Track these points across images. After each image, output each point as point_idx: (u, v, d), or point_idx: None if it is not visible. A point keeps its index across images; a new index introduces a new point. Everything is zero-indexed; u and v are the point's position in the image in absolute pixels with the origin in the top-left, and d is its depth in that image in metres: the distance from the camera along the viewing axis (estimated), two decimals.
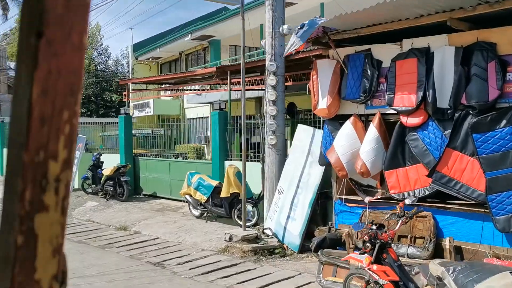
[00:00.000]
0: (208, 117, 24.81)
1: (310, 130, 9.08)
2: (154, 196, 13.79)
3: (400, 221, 4.87)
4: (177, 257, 8.28)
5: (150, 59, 29.33)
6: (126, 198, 13.25)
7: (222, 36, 23.42)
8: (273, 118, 9.43)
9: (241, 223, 9.85)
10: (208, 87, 16.19)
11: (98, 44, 33.02)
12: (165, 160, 13.73)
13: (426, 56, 5.82)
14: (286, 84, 11.66)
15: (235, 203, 9.90)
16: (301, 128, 9.34)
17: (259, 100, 20.78)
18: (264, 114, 10.04)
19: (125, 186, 13.25)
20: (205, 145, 24.98)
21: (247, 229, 9.58)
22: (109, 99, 31.52)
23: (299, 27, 6.19)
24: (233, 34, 23.48)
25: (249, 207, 9.91)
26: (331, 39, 6.49)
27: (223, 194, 9.90)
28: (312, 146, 8.89)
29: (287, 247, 8.65)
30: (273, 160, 9.51)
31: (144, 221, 11.00)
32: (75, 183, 15.58)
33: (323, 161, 7.42)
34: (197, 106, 24.43)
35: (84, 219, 11.77)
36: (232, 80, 12.31)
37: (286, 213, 8.96)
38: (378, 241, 4.67)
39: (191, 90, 16.73)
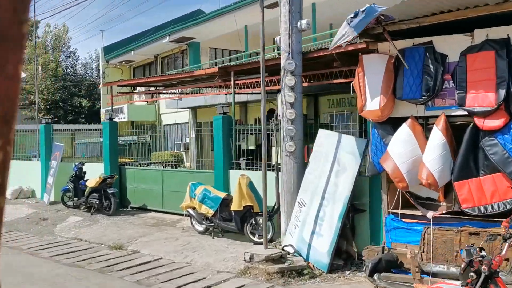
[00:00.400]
0: (187, 122, 23.80)
1: (335, 136, 8.23)
2: (143, 209, 12.62)
3: (507, 244, 4.04)
4: (193, 282, 7.23)
5: (123, 62, 27.95)
6: (113, 211, 12.03)
7: (203, 38, 22.42)
8: (291, 123, 8.52)
9: (255, 239, 8.90)
10: (210, 90, 15.13)
11: (65, 47, 31.31)
12: (157, 169, 12.58)
13: (506, 49, 5.07)
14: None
15: (247, 217, 8.92)
16: (323, 134, 8.47)
17: (244, 105, 19.88)
18: (277, 118, 9.13)
19: (113, 199, 12.04)
20: (184, 153, 23.86)
21: (260, 245, 8.64)
22: (78, 105, 29.86)
23: (351, 15, 5.33)
24: (214, 36, 22.54)
25: (262, 220, 8.95)
26: (386, 30, 5.66)
27: (234, 207, 8.90)
28: (339, 153, 8.03)
29: (313, 266, 7.74)
30: (291, 169, 8.60)
31: (141, 238, 9.86)
32: (52, 195, 14.21)
33: (374, 170, 6.57)
34: (175, 111, 23.28)
35: (69, 237, 10.51)
36: (228, 83, 11.36)
37: (310, 228, 8.05)
38: (485, 270, 3.82)
39: (181, 93, 15.58)
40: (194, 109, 23.00)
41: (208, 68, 10.50)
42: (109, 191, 12.06)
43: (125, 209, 12.83)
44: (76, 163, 13.23)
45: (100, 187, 12.11)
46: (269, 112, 15.84)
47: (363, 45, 7.54)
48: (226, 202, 9.35)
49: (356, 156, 7.78)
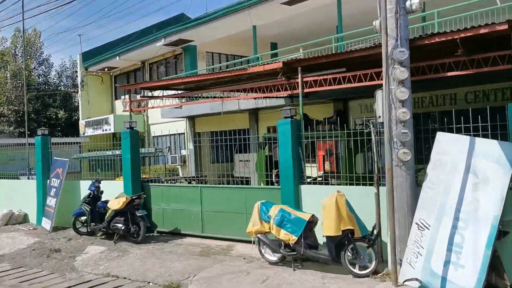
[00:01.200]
0: (182, 133, 21.78)
1: (464, 140, 6.64)
2: (175, 234, 10.62)
3: None
4: None
5: (106, 69, 25.67)
6: (142, 238, 9.99)
7: (202, 41, 20.59)
8: (403, 125, 6.89)
9: (355, 270, 7.18)
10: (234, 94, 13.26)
11: (38, 53, 28.54)
12: (194, 186, 10.58)
13: None
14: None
15: (345, 243, 7.17)
16: (444, 138, 6.87)
17: (254, 112, 18.13)
18: (376, 121, 7.48)
19: (142, 223, 10.00)
20: (180, 166, 21.77)
21: (362, 278, 6.94)
22: (53, 116, 27.17)
23: None
24: (213, 39, 20.75)
25: (363, 247, 7.25)
26: None
27: (329, 231, 7.13)
28: (474, 162, 6.45)
29: None
30: (403, 183, 6.95)
31: (199, 273, 7.91)
32: (53, 220, 11.96)
33: None
34: (168, 121, 21.21)
35: (100, 273, 8.41)
36: (293, 81, 9.61)
37: (442, 257, 6.40)
38: None
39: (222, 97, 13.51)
40: (192, 119, 21.07)
41: (269, 64, 8.75)
42: (137, 214, 10.02)
43: (151, 234, 10.78)
44: (93, 181, 11.05)
45: (126, 209, 10.06)
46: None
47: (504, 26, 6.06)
48: (310, 226, 7.58)
49: (504, 165, 6.22)
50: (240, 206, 9.53)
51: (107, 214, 10.27)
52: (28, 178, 14.58)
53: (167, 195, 10.80)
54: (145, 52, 22.26)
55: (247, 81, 10.25)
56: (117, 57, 23.64)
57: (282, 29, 18.95)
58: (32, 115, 26.87)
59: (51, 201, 12.34)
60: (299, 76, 8.55)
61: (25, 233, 12.09)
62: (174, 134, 22.20)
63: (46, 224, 12.22)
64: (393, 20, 6.96)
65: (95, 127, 24.68)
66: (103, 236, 10.80)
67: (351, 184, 8.17)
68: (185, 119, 21.32)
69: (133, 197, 10.10)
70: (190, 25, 19.09)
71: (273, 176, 10.85)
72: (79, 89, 26.28)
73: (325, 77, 8.66)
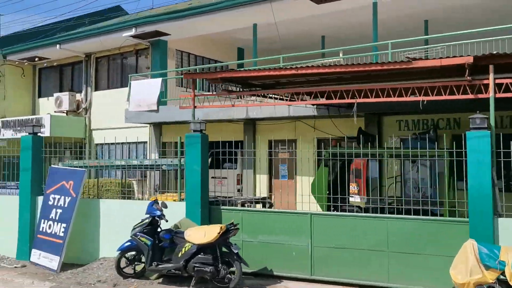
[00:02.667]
0: (146, 142, 18.36)
1: None
2: (264, 276, 7.84)
3: None
4: None
5: (37, 59, 21.12)
6: (237, 285, 7.12)
7: (177, 36, 17.64)
8: None
9: None
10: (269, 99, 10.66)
11: None
12: (301, 213, 7.89)
13: None
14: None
15: None
16: None
17: (251, 123, 15.68)
18: None
19: (238, 264, 7.16)
20: (135, 181, 18.26)
21: None
22: None
23: None
24: (189, 36, 17.96)
25: None
26: None
27: None
28: None
29: None
30: None
31: None
32: (62, 255, 8.41)
33: None
34: (124, 127, 17.74)
35: None
36: (482, 81, 7.59)
37: None
38: None
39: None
40: (158, 126, 17.91)
41: (448, 58, 6.64)
42: (234, 250, 7.15)
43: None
44: (150, 202, 7.76)
45: (216, 244, 7.12)
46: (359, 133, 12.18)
47: None
48: None
49: None
50: (377, 241, 7.24)
51: (184, 249, 7.19)
52: None
53: (250, 223, 8.02)
54: (95, 43, 18.45)
55: (377, 79, 7.96)
56: (57, 45, 19.44)
57: (295, 30, 16.86)
58: None
59: (52, 227, 8.73)
60: (490, 76, 6.63)
61: (17, 273, 8.31)
62: (127, 143, 18.65)
63: (45, 259, 8.57)
64: None
65: (18, 128, 19.99)
66: (160, 279, 7.64)
67: None
68: (149, 125, 18.06)
69: (229, 227, 7.20)
70: (176, 15, 16.12)
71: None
72: None
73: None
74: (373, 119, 13.36)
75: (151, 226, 7.57)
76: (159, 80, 16.44)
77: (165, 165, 9.15)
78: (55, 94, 20.47)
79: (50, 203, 8.95)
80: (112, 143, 18.21)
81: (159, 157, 17.50)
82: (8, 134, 20.29)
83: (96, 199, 9.11)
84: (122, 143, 18.48)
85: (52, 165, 9.34)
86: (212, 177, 13.97)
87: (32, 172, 9.31)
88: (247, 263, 7.34)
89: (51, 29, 22.71)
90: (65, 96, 20.14)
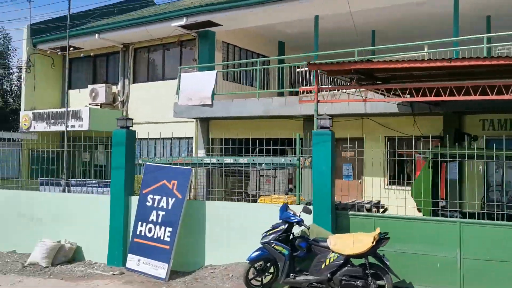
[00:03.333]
0: (191, 137, 17.47)
1: None
2: None
3: None
4: None
5: (72, 48, 20.09)
6: None
7: (228, 27, 16.81)
8: None
9: None
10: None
11: None
12: (447, 221, 7.11)
13: None
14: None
15: None
16: None
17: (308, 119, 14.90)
18: None
19: (388, 276, 6.41)
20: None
21: None
22: None
23: None
24: (239, 27, 17.14)
25: None
26: None
27: None
28: None
29: None
30: None
31: None
32: (171, 262, 7.60)
33: None
34: (167, 122, 16.89)
35: None
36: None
37: None
38: None
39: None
40: (205, 121, 17.08)
41: None
42: (386, 262, 6.40)
43: None
44: (281, 206, 6.96)
45: (365, 255, 6.36)
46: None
47: None
48: None
49: None
50: None
51: (328, 260, 6.41)
52: (65, 191, 9.65)
53: (385, 231, 7.25)
54: (149, 32, 17.45)
55: None
56: (96, 35, 18.52)
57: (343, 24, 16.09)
58: None
59: (153, 231, 7.91)
60: None
61: (122, 282, 7.47)
62: (169, 139, 17.77)
63: (147, 266, 7.75)
64: None
65: (52, 121, 19.05)
66: None
67: None
68: (195, 120, 17.21)
69: (383, 236, 6.44)
70: (234, 4, 15.27)
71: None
72: (23, 71, 20.25)
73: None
74: (453, 118, 12.66)
75: (285, 234, 6.77)
76: (214, 73, 15.66)
77: (284, 164, 8.32)
78: (90, 86, 19.55)
79: (149, 204, 8.12)
80: (151, 138, 17.27)
81: (208, 154, 16.70)
82: (40, 127, 19.38)
83: (201, 201, 8.29)
84: (167, 138, 17.54)
85: (147, 162, 8.50)
86: (261, 176, 13.17)
87: (126, 170, 8.47)
88: (397, 275, 6.60)
89: (79, 17, 21.66)
90: (101, 88, 19.23)
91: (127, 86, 19.39)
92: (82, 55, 19.84)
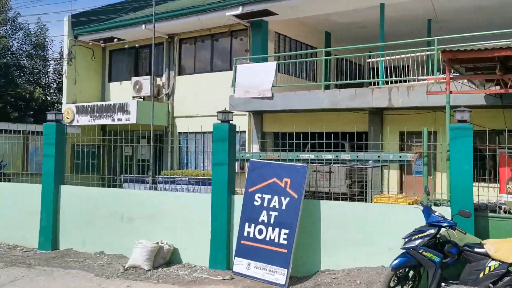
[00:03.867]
0: (243, 131, 16.89)
1: None
2: None
3: None
4: None
5: (116, 40, 19.56)
6: None
7: (284, 16, 16.23)
8: None
9: None
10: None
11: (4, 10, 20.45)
12: None
13: None
14: None
15: None
16: None
17: (377, 113, 14.30)
18: None
19: None
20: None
21: None
22: (25, 96, 19.77)
23: None
24: (293, 17, 16.56)
25: None
26: None
27: None
28: None
29: None
30: None
31: None
32: (290, 267, 7.06)
33: None
34: (202, 116, 16.31)
35: None
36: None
37: None
38: None
39: None
40: (259, 114, 16.53)
41: None
42: None
43: None
44: (424, 206, 6.38)
45: None
46: None
47: None
48: None
49: None
50: None
51: (487, 268, 5.84)
52: (151, 188, 9.12)
53: None
54: (202, 22, 16.82)
55: None
56: (143, 26, 17.95)
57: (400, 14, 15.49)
58: None
59: (265, 233, 7.37)
60: None
61: None
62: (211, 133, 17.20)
63: (260, 271, 7.23)
64: None
65: (97, 115, 18.53)
66: None
67: None
68: (247, 113, 16.66)
69: None
70: None
71: None
72: (65, 63, 19.72)
73: None
74: None
75: (434, 239, 6.20)
76: (274, 64, 15.04)
77: (394, 160, 7.74)
78: (133, 78, 19.01)
79: (257, 203, 7.58)
80: (199, 132, 16.61)
81: (262, 149, 16.14)
82: (84, 120, 18.89)
83: (315, 200, 7.73)
84: (205, 132, 16.91)
85: (251, 159, 7.94)
86: (314, 171, 12.62)
87: (229, 167, 7.92)
88: None
89: (117, 9, 21.06)
90: (145, 80, 18.68)
91: (172, 78, 18.84)
92: (126, 46, 19.25)
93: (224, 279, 7.31)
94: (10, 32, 20.57)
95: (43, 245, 9.01)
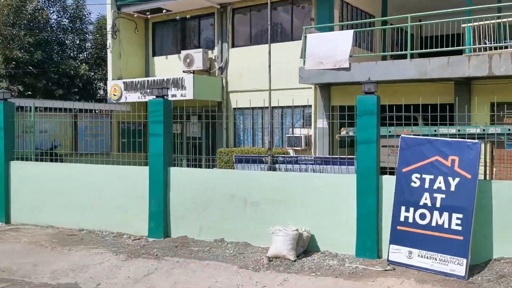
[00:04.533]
0: (308, 106, 15.96)
1: None
2: None
3: None
4: None
5: (165, 11, 18.47)
6: None
7: None
8: None
9: None
10: None
11: None
12: None
13: None
14: None
15: None
16: None
17: (465, 83, 13.37)
18: None
19: None
20: (292, 151, 15.92)
21: None
22: (70, 73, 18.77)
23: None
24: None
25: None
26: None
27: None
28: None
29: None
30: None
31: None
32: (469, 257, 6.26)
33: None
34: (278, 89, 15.36)
35: None
36: None
37: None
38: None
39: None
40: (326, 87, 15.60)
41: None
42: None
43: None
44: None
45: None
46: None
47: None
48: None
49: None
50: None
51: None
52: (271, 169, 8.26)
53: None
54: None
55: None
56: None
57: None
58: (39, 66, 18.17)
59: (429, 217, 6.56)
60: None
61: (415, 281, 6.14)
62: (285, 107, 16.34)
63: (428, 261, 6.43)
64: None
65: (147, 91, 17.56)
66: None
67: None
68: (313, 86, 15.73)
69: None
70: None
71: None
72: (109, 37, 18.66)
73: None
74: None
75: None
76: (350, 32, 14.12)
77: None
78: (183, 52, 18.03)
79: (415, 185, 6.74)
80: (259, 108, 15.68)
81: (329, 123, 15.27)
82: (134, 97, 17.97)
83: (485, 180, 6.89)
84: (287, 107, 15.95)
85: (402, 135, 7.07)
86: (383, 146, 11.72)
87: (377, 145, 7.06)
88: None
89: None
90: (197, 53, 17.69)
91: (225, 51, 17.82)
92: (178, 17, 18.16)
93: (386, 270, 6.51)
94: (48, 4, 19.47)
95: (154, 233, 8.19)
